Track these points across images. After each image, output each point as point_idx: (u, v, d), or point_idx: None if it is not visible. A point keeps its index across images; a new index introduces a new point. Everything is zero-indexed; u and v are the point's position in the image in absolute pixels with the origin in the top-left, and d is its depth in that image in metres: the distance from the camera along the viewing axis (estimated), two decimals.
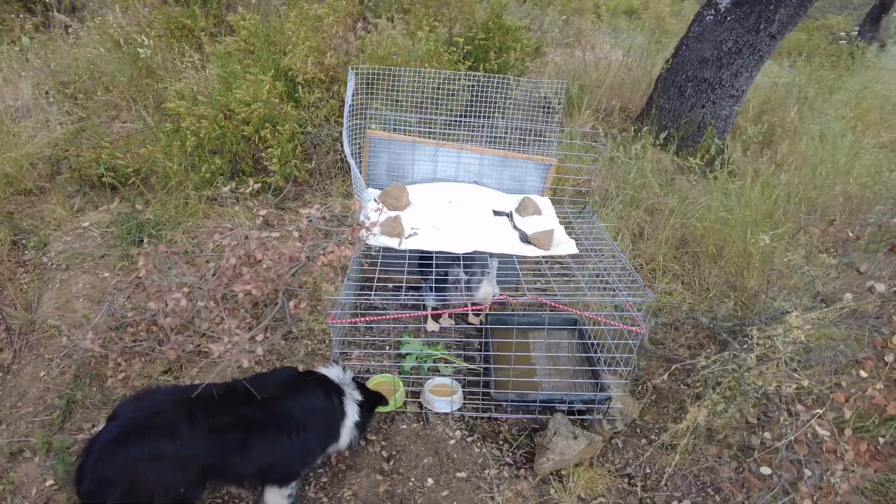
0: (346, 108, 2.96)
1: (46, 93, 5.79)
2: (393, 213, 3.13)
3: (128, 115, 5.56)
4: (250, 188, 2.65)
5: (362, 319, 2.88)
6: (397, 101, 4.14)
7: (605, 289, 3.05)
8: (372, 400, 2.61)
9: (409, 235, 2.95)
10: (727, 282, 4.02)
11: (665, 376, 2.89)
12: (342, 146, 3.21)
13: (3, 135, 4.54)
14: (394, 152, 3.42)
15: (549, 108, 4.30)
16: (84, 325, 2.97)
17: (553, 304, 2.47)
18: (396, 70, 3.76)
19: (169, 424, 2.02)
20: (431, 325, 3.38)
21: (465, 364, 3.14)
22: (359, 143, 3.43)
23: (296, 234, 2.45)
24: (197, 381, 2.16)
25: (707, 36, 5.70)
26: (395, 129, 3.77)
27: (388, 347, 3.24)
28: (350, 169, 3.46)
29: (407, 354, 3.12)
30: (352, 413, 2.48)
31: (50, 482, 2.44)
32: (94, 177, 4.23)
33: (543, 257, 2.95)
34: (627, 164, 4.78)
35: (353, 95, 3.35)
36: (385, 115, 3.88)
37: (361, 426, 2.54)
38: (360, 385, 2.59)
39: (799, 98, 6.87)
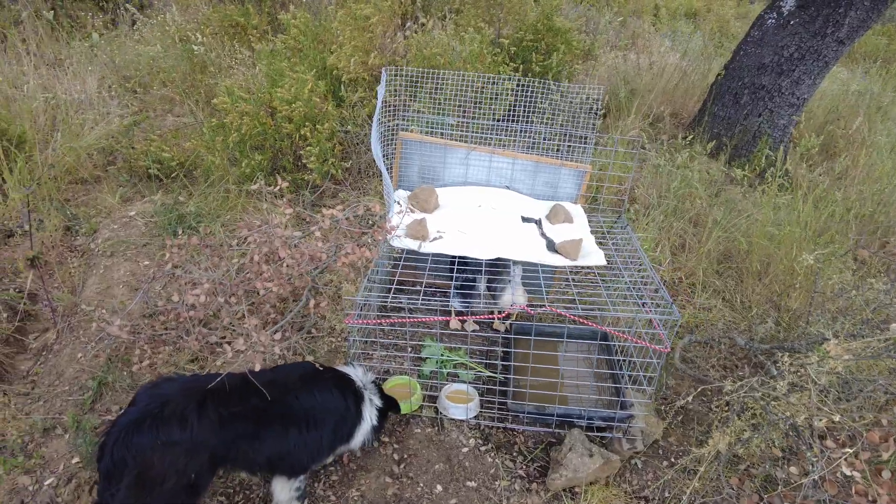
0: (377, 110, 2.97)
1: (109, 87, 6.10)
2: (420, 216, 3.12)
3: (181, 110, 5.79)
4: (278, 186, 2.69)
5: (381, 321, 2.89)
6: (438, 102, 4.14)
7: (633, 303, 2.95)
8: (389, 405, 2.62)
9: (434, 239, 2.94)
10: (770, 301, 3.82)
11: (691, 398, 2.77)
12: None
13: (66, 126, 4.81)
14: (426, 155, 3.42)
15: (589, 112, 4.20)
16: (118, 311, 3.10)
17: (574, 317, 2.40)
18: (436, 72, 3.75)
19: (181, 413, 2.08)
20: (453, 324, 3.37)
21: (486, 371, 3.10)
22: (394, 145, 3.44)
23: (318, 234, 2.48)
24: (221, 370, 2.22)
25: (768, 40, 5.43)
26: (432, 132, 3.77)
27: (409, 350, 3.24)
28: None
29: (427, 358, 3.10)
30: (368, 417, 2.49)
31: (76, 459, 2.56)
32: (143, 168, 4.42)
33: (569, 267, 2.88)
34: (672, 172, 4.61)
35: (387, 96, 3.36)
36: (422, 117, 3.88)
37: (377, 430, 2.55)
38: (380, 388, 2.60)
39: (870, 107, 6.46)
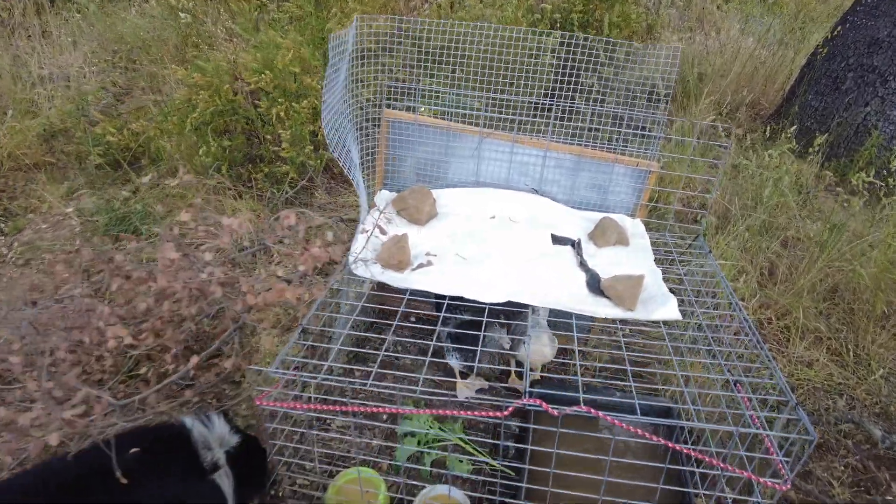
0: (328, 75, 1.96)
1: (98, 62, 5.39)
2: (404, 229, 2.17)
3: (168, 87, 5.02)
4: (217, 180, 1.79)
5: (315, 405, 1.78)
6: (453, 72, 3.17)
7: (715, 374, 1.93)
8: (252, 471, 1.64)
9: (418, 267, 1.98)
10: None
11: None
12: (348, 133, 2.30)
13: (16, 103, 4.07)
14: (421, 142, 2.46)
15: (652, 93, 3.15)
16: None
17: (612, 419, 1.40)
18: (439, 25, 2.77)
19: None
20: (463, 392, 2.39)
21: (491, 459, 2.12)
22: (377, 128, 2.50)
23: (207, 256, 1.56)
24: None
25: (885, 9, 4.23)
26: (446, 112, 2.81)
27: (384, 419, 2.29)
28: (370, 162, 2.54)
29: (406, 436, 2.15)
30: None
31: None
32: (86, 154, 3.62)
33: (621, 320, 1.87)
34: (760, 175, 3.51)
35: (363, 59, 2.42)
36: (418, 89, 2.93)
37: None
38: (241, 445, 1.61)
39: None
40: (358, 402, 1.87)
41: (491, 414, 1.47)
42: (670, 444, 1.37)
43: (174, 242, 1.73)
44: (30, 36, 5.63)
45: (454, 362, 2.09)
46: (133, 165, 3.65)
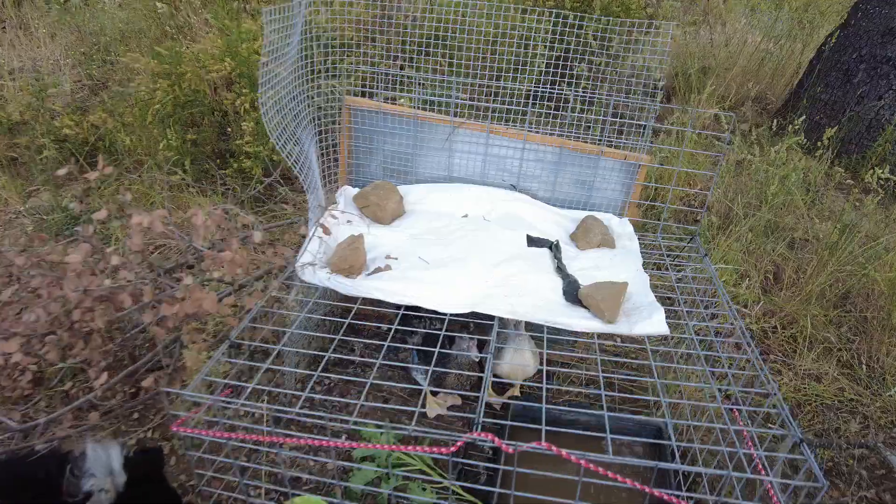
0: (264, 50, 1.70)
1: (76, 54, 5.20)
2: (360, 229, 1.94)
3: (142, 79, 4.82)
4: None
5: (230, 434, 1.49)
6: (441, 60, 2.94)
7: (709, 396, 1.69)
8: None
9: (374, 272, 1.75)
10: None
11: None
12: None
13: None
14: (388, 132, 2.23)
15: (647, 83, 2.90)
16: None
17: (577, 459, 1.17)
18: None
19: None
20: (433, 410, 2.15)
21: (459, 489, 1.88)
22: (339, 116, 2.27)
23: (115, 259, 1.33)
24: None
25: None
26: (427, 104, 2.57)
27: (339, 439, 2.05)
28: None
29: (364, 458, 1.91)
30: None
31: None
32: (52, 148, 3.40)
33: (599, 334, 1.64)
34: (765, 171, 3.26)
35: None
36: (402, 76, 2.70)
37: None
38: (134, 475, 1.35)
39: None
40: (287, 432, 1.63)
41: (434, 450, 1.24)
42: (656, 493, 1.13)
43: (90, 244, 1.51)
44: (3, 28, 5.44)
45: (420, 378, 1.85)
46: (91, 160, 3.43)
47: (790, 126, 3.99)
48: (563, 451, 1.17)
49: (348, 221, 1.96)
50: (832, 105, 4.34)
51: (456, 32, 2.78)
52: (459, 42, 2.79)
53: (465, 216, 2.13)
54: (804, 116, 4.29)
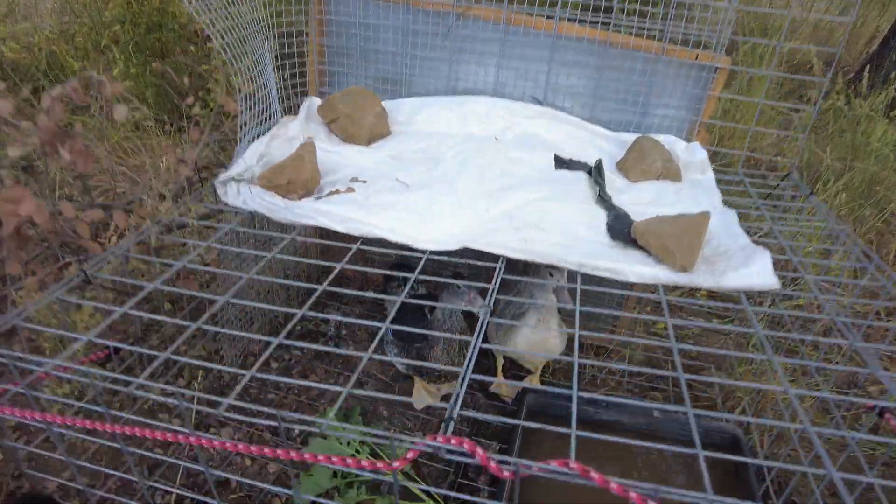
0: None
1: None
2: (325, 148, 1.37)
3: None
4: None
5: (41, 415, 0.90)
6: None
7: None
8: None
9: (328, 195, 1.19)
10: None
11: None
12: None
13: None
14: (370, 24, 1.66)
15: None
16: None
17: (620, 489, 0.60)
18: None
19: None
20: (422, 401, 1.58)
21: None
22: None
23: None
24: None
25: None
26: None
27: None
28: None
29: (308, 477, 1.35)
30: None
31: None
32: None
33: (666, 286, 1.04)
34: (865, 120, 2.60)
35: None
36: None
37: None
38: None
39: None
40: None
41: (372, 465, 0.68)
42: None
43: None
44: None
45: (395, 359, 1.27)
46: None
47: (873, 87, 3.28)
48: (612, 482, 0.60)
49: (309, 138, 1.40)
50: None
51: None
52: None
53: (472, 135, 1.55)
54: (888, 80, 3.58)
